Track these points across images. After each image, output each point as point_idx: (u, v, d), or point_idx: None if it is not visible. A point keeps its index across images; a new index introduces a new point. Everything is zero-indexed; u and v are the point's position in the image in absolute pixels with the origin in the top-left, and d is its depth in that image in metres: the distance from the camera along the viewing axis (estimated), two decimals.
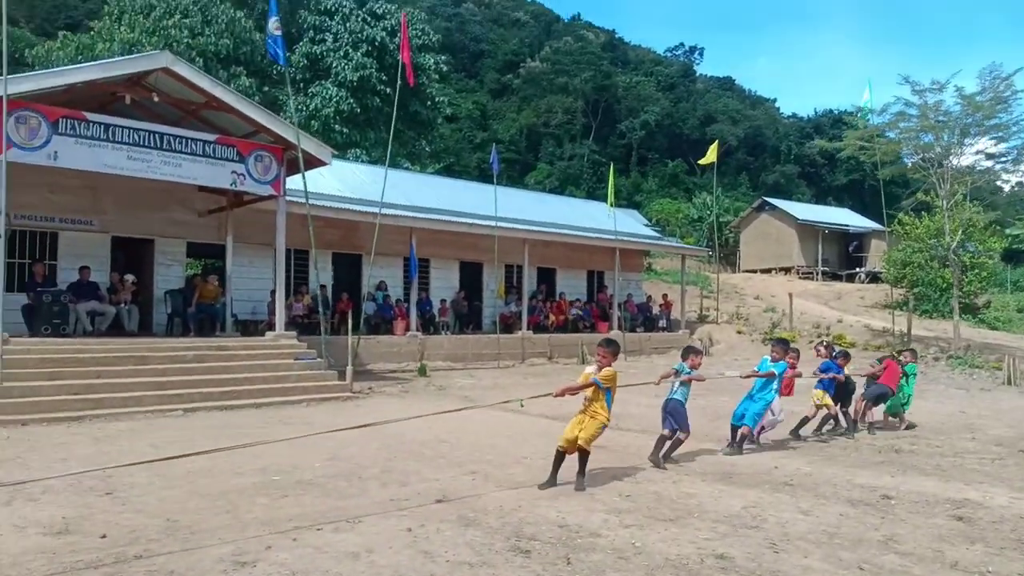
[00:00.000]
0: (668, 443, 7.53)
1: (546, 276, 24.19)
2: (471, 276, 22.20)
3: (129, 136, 12.41)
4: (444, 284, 21.35)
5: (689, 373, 7.64)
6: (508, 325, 21.08)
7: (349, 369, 13.41)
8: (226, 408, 11.11)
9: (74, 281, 13.95)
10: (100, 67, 12.50)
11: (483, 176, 43.40)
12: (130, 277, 15.07)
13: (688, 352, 7.85)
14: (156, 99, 13.08)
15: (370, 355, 17.10)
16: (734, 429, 8.39)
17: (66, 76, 12.05)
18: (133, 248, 16.23)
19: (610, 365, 6.47)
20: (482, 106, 69.90)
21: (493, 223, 19.80)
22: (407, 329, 18.55)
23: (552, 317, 22.18)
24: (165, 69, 12.49)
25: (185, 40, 30.02)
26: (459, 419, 9.85)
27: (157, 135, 12.74)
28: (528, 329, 20.94)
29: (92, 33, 31.41)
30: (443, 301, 20.59)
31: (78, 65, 13.02)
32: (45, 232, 14.83)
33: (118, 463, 6.99)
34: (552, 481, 6.43)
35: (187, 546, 4.73)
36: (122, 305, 14.40)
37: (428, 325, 19.47)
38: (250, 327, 15.88)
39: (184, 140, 13.00)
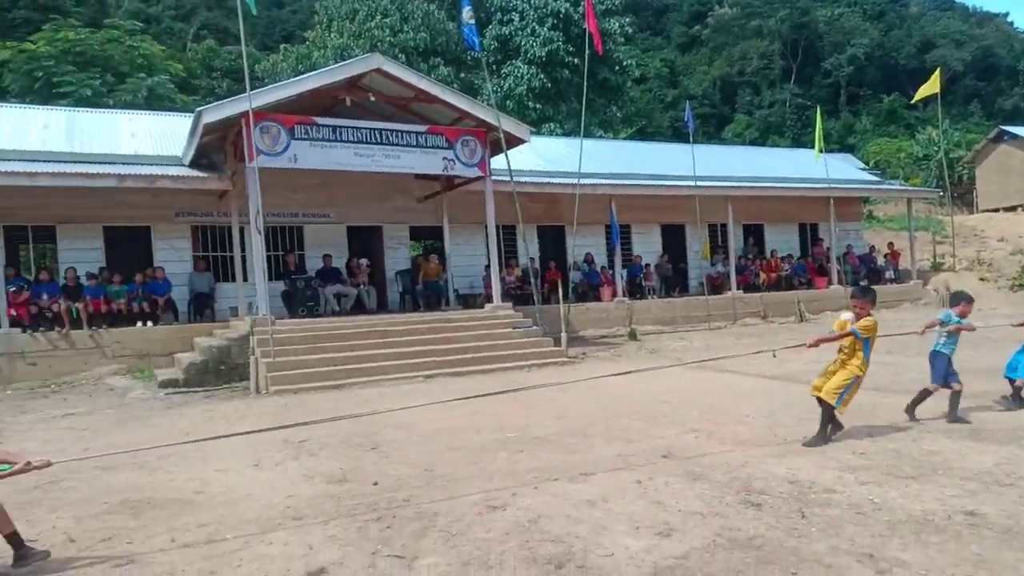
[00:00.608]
0: (948, 398, 6.94)
1: (753, 233, 23.26)
2: (673, 239, 21.93)
3: (353, 135, 13.74)
4: (647, 248, 21.30)
5: (958, 322, 7.02)
6: (716, 286, 20.62)
7: (564, 335, 13.97)
8: (459, 375, 12.11)
9: (320, 268, 15.80)
10: (323, 75, 13.91)
11: (677, 135, 42.27)
12: (364, 261, 16.74)
13: (958, 299, 7.23)
14: (372, 98, 14.30)
15: (580, 322, 17.60)
16: (1011, 381, 7.60)
17: (296, 87, 13.55)
18: (365, 235, 17.97)
19: (868, 314, 6.16)
20: (670, 63, 67.84)
21: (692, 183, 19.39)
22: (614, 295, 18.82)
23: (763, 275, 21.34)
24: (378, 70, 13.64)
25: (387, 39, 32.22)
26: (676, 379, 9.97)
27: (377, 131, 13.97)
28: (738, 289, 20.35)
29: (307, 43, 34.69)
30: (647, 265, 20.59)
31: (304, 76, 14.54)
32: (292, 227, 16.90)
33: (377, 422, 7.98)
34: (822, 437, 6.20)
35: (445, 493, 5.37)
36: (361, 287, 16.05)
37: (635, 290, 19.62)
38: (469, 300, 17.00)
39: (399, 133, 14.14)
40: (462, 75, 34.98)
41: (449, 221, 17.11)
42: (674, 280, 21.06)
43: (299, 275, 14.96)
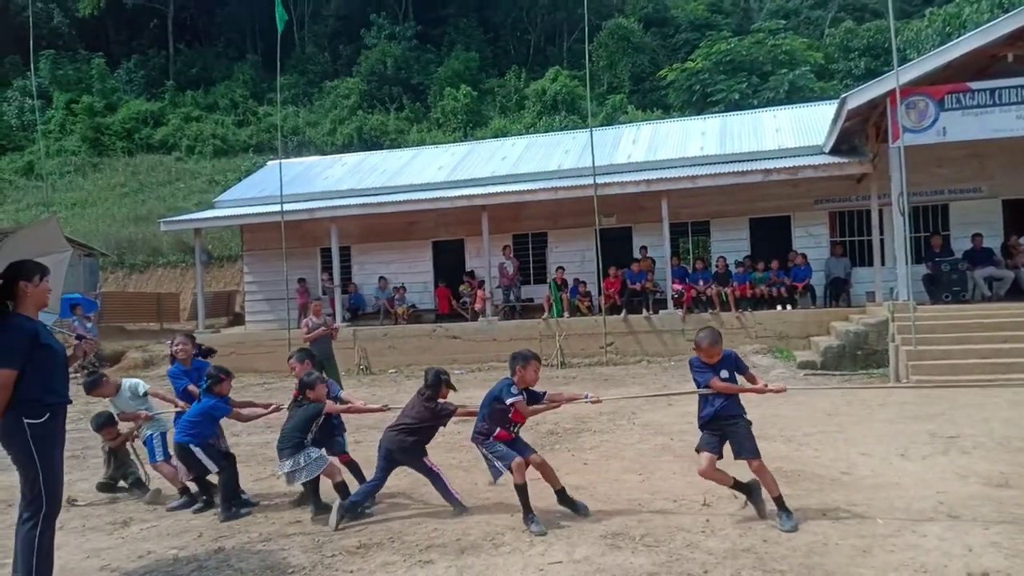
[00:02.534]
0: None
1: None
2: None
3: (1016, 95, 11.98)
4: None
5: None
6: None
7: None
8: None
9: (968, 249, 14.24)
10: (978, 35, 12.47)
11: None
12: (1023, 240, 14.38)
13: None
14: None
15: None
16: None
17: (946, 54, 12.49)
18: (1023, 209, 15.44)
19: None
20: None
21: None
22: None
23: None
24: None
25: None
26: None
27: None
28: None
29: (956, 1, 31.08)
30: None
31: (955, 41, 13.24)
32: (936, 205, 15.63)
33: None
34: None
35: None
36: (1019, 269, 13.88)
37: None
38: None
39: None
40: None
41: None
42: None
43: (944, 257, 13.75)
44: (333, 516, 5.28)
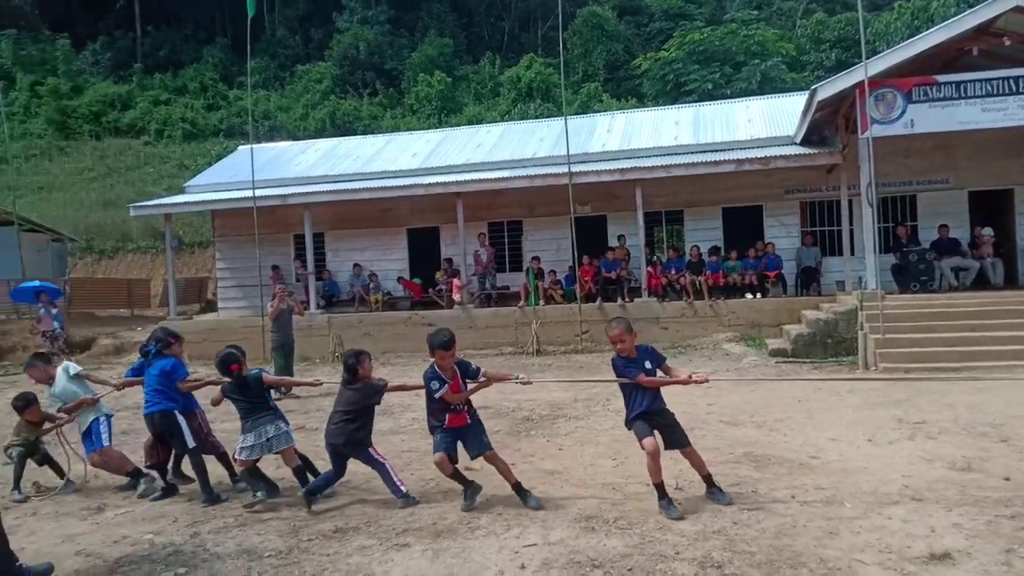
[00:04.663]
0: None
1: None
2: None
3: (981, 88, 12.24)
4: None
5: None
6: None
7: None
8: None
9: (935, 239, 14.54)
10: (946, 28, 12.68)
11: None
12: (988, 230, 14.70)
13: None
14: (1007, 42, 12.41)
15: None
16: None
17: (913, 47, 12.72)
18: (989, 200, 15.76)
19: None
20: None
21: None
22: None
23: None
24: (1016, 8, 11.74)
25: None
26: None
27: (1012, 80, 12.13)
28: None
29: None
30: None
31: (923, 34, 13.47)
32: (904, 196, 15.91)
33: (1005, 413, 7.15)
34: None
35: None
36: (985, 259, 14.21)
37: None
38: None
39: None
40: None
41: None
42: None
43: (911, 247, 14.04)
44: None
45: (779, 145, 15.93)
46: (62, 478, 6.39)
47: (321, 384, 6.64)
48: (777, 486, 5.37)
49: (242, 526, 5.09)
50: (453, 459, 5.21)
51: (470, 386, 5.31)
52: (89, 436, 6.26)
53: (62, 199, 34.16)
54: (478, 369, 5.34)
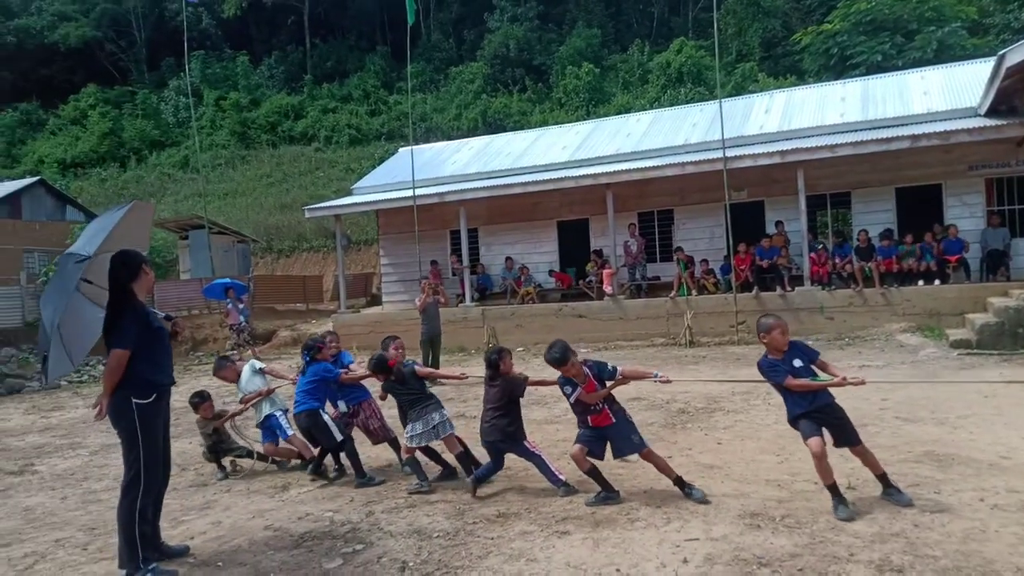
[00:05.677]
0: None
1: None
2: None
3: None
4: None
5: None
6: None
7: None
8: None
9: None
10: None
11: None
12: None
13: None
14: None
15: None
16: None
17: None
18: None
19: None
20: None
21: None
22: None
23: None
24: None
25: None
26: None
27: None
28: None
29: None
30: None
31: None
32: None
33: None
34: None
35: None
36: None
37: None
38: None
39: None
40: None
41: None
42: None
43: None
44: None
45: (961, 118, 14.55)
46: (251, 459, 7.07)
47: (467, 377, 6.78)
48: (963, 487, 4.96)
49: (412, 507, 5.42)
50: (595, 455, 5.22)
51: (608, 384, 5.26)
52: (269, 428, 6.83)
53: (244, 204, 37.52)
54: (615, 369, 5.25)
